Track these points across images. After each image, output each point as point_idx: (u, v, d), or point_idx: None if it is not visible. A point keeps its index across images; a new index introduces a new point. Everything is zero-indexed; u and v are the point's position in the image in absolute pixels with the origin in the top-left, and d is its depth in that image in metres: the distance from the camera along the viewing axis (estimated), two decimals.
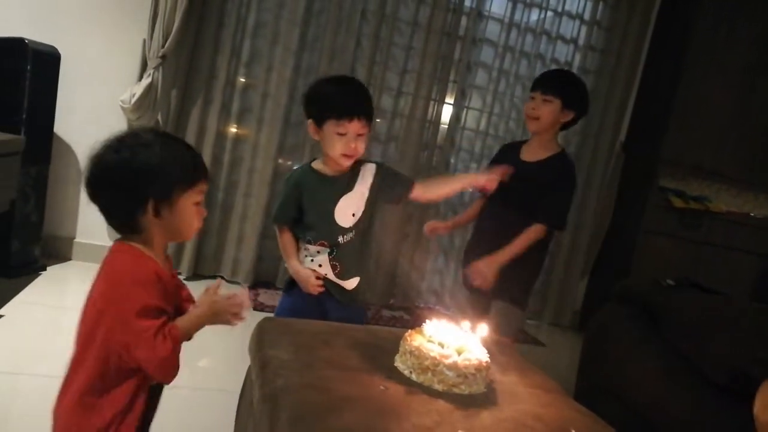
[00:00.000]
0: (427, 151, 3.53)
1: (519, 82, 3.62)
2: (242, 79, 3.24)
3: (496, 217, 2.07)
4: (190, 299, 1.21)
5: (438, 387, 1.25)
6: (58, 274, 2.88)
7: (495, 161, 2.18)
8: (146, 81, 2.90)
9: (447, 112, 3.56)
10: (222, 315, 1.12)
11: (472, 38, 3.50)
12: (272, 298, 3.17)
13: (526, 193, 1.96)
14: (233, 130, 3.29)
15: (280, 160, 3.31)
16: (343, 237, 1.71)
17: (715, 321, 1.87)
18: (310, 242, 1.73)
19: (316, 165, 1.76)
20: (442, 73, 3.48)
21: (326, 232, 1.71)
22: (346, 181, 1.72)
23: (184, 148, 1.11)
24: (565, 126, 2.08)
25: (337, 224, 1.70)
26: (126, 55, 3.00)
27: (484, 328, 1.39)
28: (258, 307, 3.00)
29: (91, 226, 3.06)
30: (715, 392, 1.67)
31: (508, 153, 2.16)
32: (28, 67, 2.62)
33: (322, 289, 1.72)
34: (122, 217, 1.06)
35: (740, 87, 3.62)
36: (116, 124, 2.91)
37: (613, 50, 3.68)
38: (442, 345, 1.29)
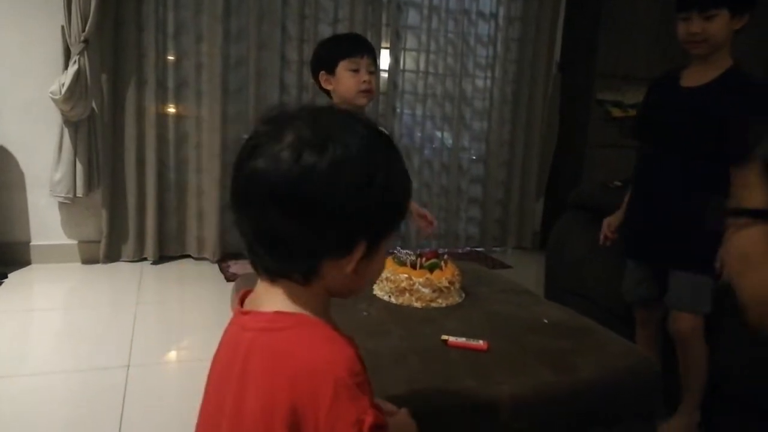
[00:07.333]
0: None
1: (450, 16, 3.64)
2: (171, 58, 3.15)
3: (660, 167, 1.68)
4: None
5: (417, 305, 1.33)
6: (20, 280, 2.83)
7: (648, 102, 1.85)
8: (73, 68, 2.79)
9: (385, 57, 3.57)
10: None
11: None
12: (244, 267, 3.19)
13: (695, 126, 1.59)
14: (173, 107, 3.22)
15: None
16: None
17: None
18: None
19: None
20: (374, 17, 3.46)
21: None
22: None
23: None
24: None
25: None
26: (47, 45, 2.88)
27: None
28: (231, 278, 3.03)
29: (45, 227, 2.92)
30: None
31: (664, 84, 1.80)
32: None
33: None
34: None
35: None
36: (51, 119, 2.81)
37: None
38: (414, 266, 1.37)
